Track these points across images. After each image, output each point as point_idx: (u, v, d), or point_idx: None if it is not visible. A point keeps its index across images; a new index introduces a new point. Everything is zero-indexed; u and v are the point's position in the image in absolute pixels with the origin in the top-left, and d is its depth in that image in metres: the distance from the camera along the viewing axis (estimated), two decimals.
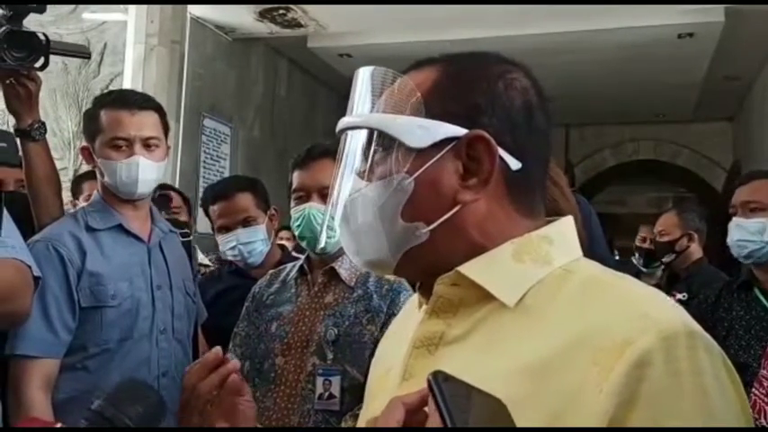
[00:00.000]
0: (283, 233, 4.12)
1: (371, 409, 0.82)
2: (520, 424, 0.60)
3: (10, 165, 2.46)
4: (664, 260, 3.59)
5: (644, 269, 3.99)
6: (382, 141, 0.79)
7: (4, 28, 1.78)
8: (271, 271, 1.98)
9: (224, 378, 0.97)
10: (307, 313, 1.74)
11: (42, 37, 1.82)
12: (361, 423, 0.95)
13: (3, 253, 1.49)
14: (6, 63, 1.78)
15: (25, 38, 1.80)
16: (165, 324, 1.88)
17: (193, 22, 4.82)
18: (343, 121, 0.84)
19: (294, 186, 1.80)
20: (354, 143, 0.83)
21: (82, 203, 2.82)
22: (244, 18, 4.90)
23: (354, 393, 1.58)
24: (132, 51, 4.55)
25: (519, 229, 0.79)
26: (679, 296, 2.97)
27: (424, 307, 0.83)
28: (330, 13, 4.78)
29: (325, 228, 1.65)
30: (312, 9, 4.73)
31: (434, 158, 0.77)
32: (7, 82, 1.85)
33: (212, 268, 3.04)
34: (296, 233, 1.81)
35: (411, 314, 0.89)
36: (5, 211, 1.56)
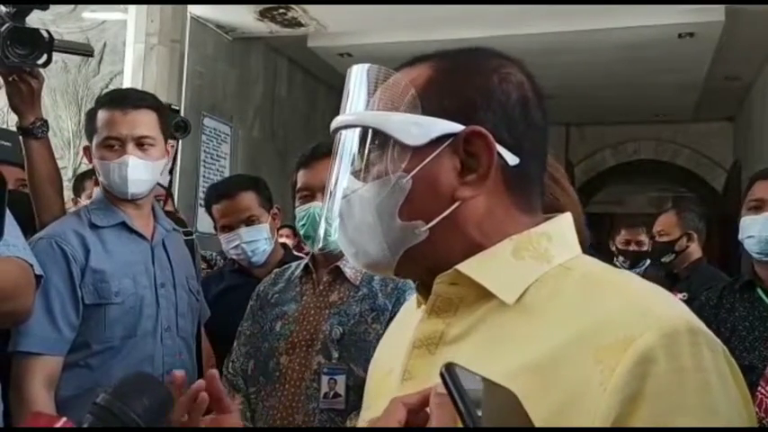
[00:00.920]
0: (283, 231, 4.13)
1: (375, 411, 0.82)
2: None
3: (12, 163, 2.46)
4: (663, 260, 3.57)
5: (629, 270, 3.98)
6: (377, 140, 0.78)
7: (7, 25, 1.77)
8: (275, 270, 1.98)
9: (191, 400, 0.93)
10: (312, 312, 1.74)
11: (45, 34, 1.82)
12: (361, 424, 0.95)
13: (4, 251, 1.49)
14: (9, 60, 1.78)
15: (28, 35, 1.80)
16: (169, 322, 1.88)
17: (193, 21, 4.82)
18: (338, 120, 0.83)
19: (299, 186, 1.80)
20: (349, 142, 0.82)
21: (84, 201, 2.82)
22: (244, 17, 4.89)
23: (359, 392, 1.57)
24: (132, 50, 4.54)
25: (518, 226, 0.78)
26: (680, 296, 2.95)
27: (423, 306, 0.83)
28: (330, 12, 4.78)
29: (322, 226, 1.65)
30: (312, 9, 4.72)
31: (431, 156, 0.76)
32: (10, 79, 1.85)
33: (216, 264, 3.03)
34: (301, 232, 1.81)
35: (410, 314, 0.88)
36: (7, 210, 1.56)
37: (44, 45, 1.81)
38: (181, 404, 0.93)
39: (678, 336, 0.64)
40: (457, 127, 0.76)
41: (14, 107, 1.89)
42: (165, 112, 1.95)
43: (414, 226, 0.76)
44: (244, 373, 1.81)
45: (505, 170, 0.77)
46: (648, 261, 3.78)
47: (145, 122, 1.86)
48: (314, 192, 1.75)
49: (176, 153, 2.13)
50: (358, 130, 0.81)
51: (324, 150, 1.74)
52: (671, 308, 0.68)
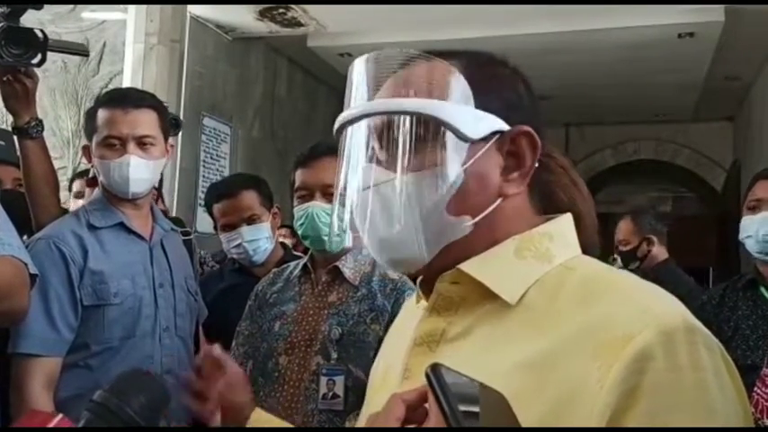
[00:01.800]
0: (281, 230, 4.12)
1: (374, 407, 0.82)
2: (521, 418, 0.60)
3: (7, 163, 2.46)
4: (630, 268, 3.58)
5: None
6: (429, 129, 0.75)
7: (1, 24, 1.77)
8: (274, 269, 1.97)
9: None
10: (310, 312, 1.74)
11: (40, 34, 1.82)
12: (361, 422, 0.95)
13: None
14: (4, 60, 1.78)
15: (23, 34, 1.80)
16: (168, 322, 1.87)
17: (193, 21, 4.81)
18: (380, 105, 0.78)
19: (297, 185, 1.80)
20: (383, 131, 0.77)
21: (71, 202, 2.81)
22: (244, 17, 4.89)
23: (358, 393, 1.57)
24: (132, 50, 4.54)
25: (531, 222, 0.80)
26: None
27: (423, 303, 0.83)
28: (330, 12, 4.77)
29: (333, 229, 1.64)
30: (312, 8, 4.72)
31: (482, 150, 0.76)
32: (4, 79, 1.85)
33: (211, 265, 3.01)
34: (299, 232, 1.80)
35: (411, 312, 0.88)
36: (2, 209, 1.55)
37: (39, 45, 1.81)
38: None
39: (676, 334, 0.65)
40: (504, 125, 0.77)
41: (9, 107, 1.89)
42: (164, 112, 1.94)
43: (461, 221, 0.76)
44: None
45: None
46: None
47: (146, 122, 1.85)
48: (312, 191, 1.75)
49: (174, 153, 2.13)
50: (397, 117, 0.76)
51: (323, 150, 1.74)
52: (669, 306, 0.69)
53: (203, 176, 4.91)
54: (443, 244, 0.77)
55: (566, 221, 0.82)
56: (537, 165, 0.80)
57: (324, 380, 1.63)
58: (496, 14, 4.61)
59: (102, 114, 1.84)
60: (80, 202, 2.60)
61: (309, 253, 1.84)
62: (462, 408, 0.54)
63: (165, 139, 1.93)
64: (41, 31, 1.83)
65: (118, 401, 0.77)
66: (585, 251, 0.82)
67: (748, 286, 2.20)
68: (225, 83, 5.19)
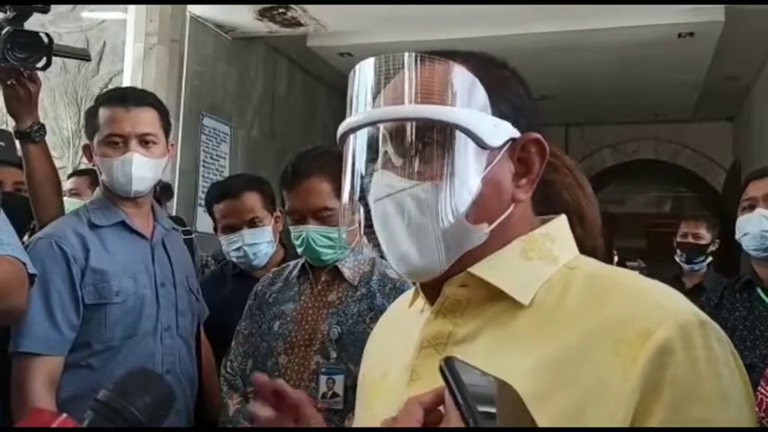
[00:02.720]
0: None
1: (375, 412, 0.82)
2: (541, 419, 0.61)
3: (7, 164, 2.46)
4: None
5: (686, 265, 3.70)
6: (453, 138, 0.74)
7: (6, 28, 1.77)
8: (273, 269, 1.97)
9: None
10: (310, 312, 1.74)
11: (45, 38, 1.82)
12: (358, 423, 0.94)
13: None
14: (9, 63, 1.78)
15: (28, 38, 1.80)
16: (170, 321, 1.87)
17: (193, 21, 4.81)
18: (392, 112, 0.75)
19: (287, 208, 1.78)
20: (402, 138, 0.75)
21: (72, 200, 2.81)
22: (243, 17, 4.88)
23: None
24: (132, 50, 4.53)
25: (532, 223, 0.81)
26: None
27: (417, 305, 0.84)
28: (330, 12, 4.77)
29: (338, 249, 1.65)
30: (312, 8, 4.72)
31: (498, 157, 0.77)
32: (8, 83, 1.85)
33: (207, 265, 2.99)
34: (298, 251, 1.79)
35: (404, 313, 0.88)
36: (1, 210, 1.56)
37: (43, 48, 1.81)
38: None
39: (692, 328, 0.67)
40: (515, 131, 0.78)
41: (12, 111, 1.89)
42: (165, 112, 1.94)
43: (480, 229, 0.76)
44: (242, 372, 1.80)
45: None
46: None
47: (148, 120, 1.85)
48: (304, 215, 1.73)
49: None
50: (412, 124, 0.75)
51: (306, 169, 1.72)
52: (679, 302, 0.71)
53: (203, 176, 4.91)
54: (462, 252, 0.77)
55: (562, 223, 0.83)
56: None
57: (323, 379, 1.63)
58: (496, 14, 4.61)
59: (103, 113, 1.84)
60: (74, 200, 2.59)
61: None
62: (476, 401, 0.55)
63: (166, 139, 1.93)
64: (47, 35, 1.83)
65: (122, 401, 0.76)
66: (592, 252, 0.83)
67: (745, 287, 2.23)
68: (225, 83, 5.19)
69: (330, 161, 1.72)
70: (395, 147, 0.76)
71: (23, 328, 1.68)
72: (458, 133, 0.74)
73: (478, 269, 0.77)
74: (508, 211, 0.78)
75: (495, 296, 0.76)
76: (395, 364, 0.83)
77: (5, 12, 1.80)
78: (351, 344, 1.65)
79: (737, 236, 2.23)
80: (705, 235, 3.64)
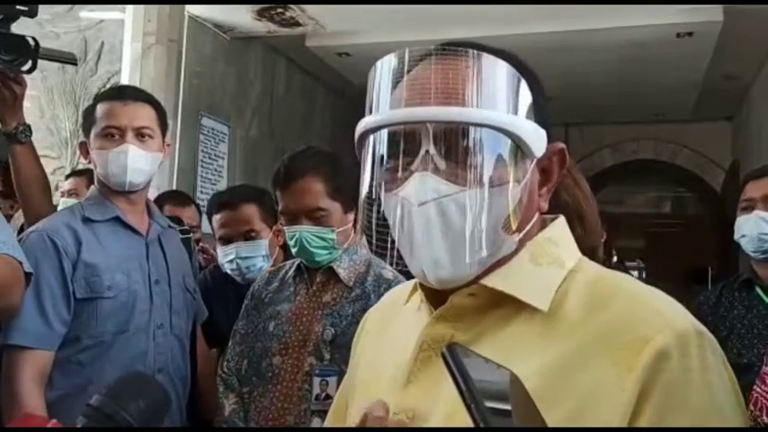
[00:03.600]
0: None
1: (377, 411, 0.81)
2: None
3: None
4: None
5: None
6: (505, 145, 0.72)
7: None
8: (270, 269, 1.97)
9: None
10: (305, 312, 1.73)
11: (32, 41, 1.82)
12: (351, 423, 0.94)
13: None
14: None
15: (14, 41, 1.81)
16: (163, 319, 1.86)
17: (191, 20, 4.80)
18: (443, 113, 0.70)
19: (280, 208, 1.78)
20: (446, 138, 0.71)
21: (69, 201, 2.81)
22: (242, 17, 4.88)
23: None
24: (130, 50, 4.53)
25: (539, 226, 0.81)
26: None
27: (412, 303, 0.83)
28: (328, 12, 4.76)
29: (332, 250, 1.64)
30: (310, 8, 4.71)
31: (532, 166, 0.76)
32: None
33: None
34: (292, 251, 1.78)
35: (397, 311, 0.87)
36: None
37: (29, 51, 1.82)
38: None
39: (689, 337, 0.67)
40: (546, 140, 0.77)
41: None
42: (162, 110, 1.94)
43: (513, 238, 0.75)
44: (238, 372, 1.80)
45: None
46: None
47: (144, 114, 1.86)
48: (297, 215, 1.73)
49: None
50: (463, 127, 0.71)
51: (299, 170, 1.71)
52: (677, 310, 0.71)
53: (201, 176, 4.90)
54: (492, 262, 0.75)
55: (562, 225, 0.82)
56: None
57: (317, 380, 1.63)
58: (496, 14, 4.61)
59: (101, 107, 1.85)
60: (72, 201, 2.59)
61: None
62: (482, 392, 0.53)
63: (163, 137, 1.93)
64: (33, 38, 1.83)
65: (115, 406, 0.75)
66: (593, 251, 0.83)
67: (744, 286, 2.22)
68: (223, 82, 5.18)
69: (323, 161, 1.71)
70: (440, 148, 0.71)
71: (14, 321, 1.67)
72: (509, 141, 0.72)
73: (492, 281, 0.75)
74: (534, 220, 0.77)
75: (497, 302, 0.75)
76: (390, 365, 0.82)
77: None
78: (344, 345, 1.64)
79: (736, 236, 2.22)
80: None
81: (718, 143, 7.62)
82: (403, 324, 0.84)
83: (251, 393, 1.74)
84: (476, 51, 0.72)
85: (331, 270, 1.74)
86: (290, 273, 1.83)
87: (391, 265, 0.76)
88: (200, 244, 2.85)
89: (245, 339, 1.82)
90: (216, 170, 5.08)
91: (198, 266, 2.47)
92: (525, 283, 0.75)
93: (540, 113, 0.77)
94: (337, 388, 1.61)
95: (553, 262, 0.77)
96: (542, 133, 0.76)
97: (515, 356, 0.70)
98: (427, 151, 0.72)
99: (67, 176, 3.31)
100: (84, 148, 1.90)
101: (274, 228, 2.34)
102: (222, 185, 4.87)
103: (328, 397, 1.61)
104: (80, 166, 3.94)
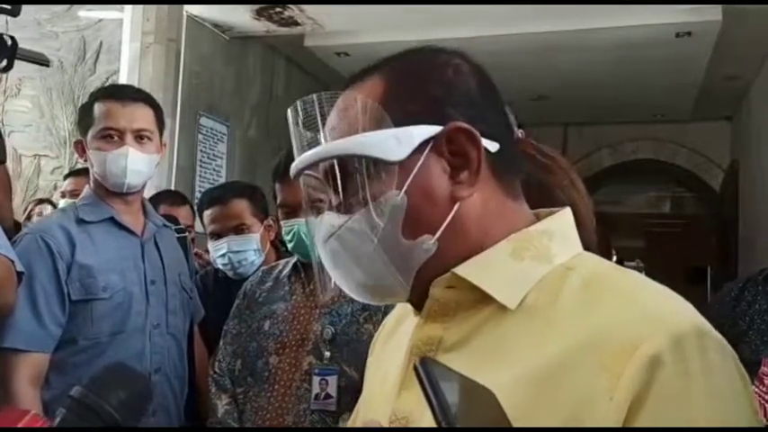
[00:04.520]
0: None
1: (369, 415, 0.80)
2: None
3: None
4: None
5: None
6: (356, 165, 0.73)
7: None
8: (263, 268, 1.96)
9: None
10: (302, 311, 1.72)
11: (9, 40, 1.81)
12: (354, 425, 0.93)
13: None
14: None
15: None
16: (159, 319, 1.85)
17: (190, 20, 4.80)
18: (302, 160, 0.79)
19: (279, 201, 1.77)
20: (326, 179, 0.77)
21: (67, 199, 2.79)
22: (240, 16, 4.87)
23: (352, 393, 1.55)
24: (128, 49, 4.52)
25: (515, 217, 0.76)
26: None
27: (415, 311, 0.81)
28: (327, 11, 4.76)
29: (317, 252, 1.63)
30: (309, 8, 4.70)
31: (418, 165, 0.72)
32: None
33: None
34: (289, 247, 1.78)
35: (406, 315, 0.86)
36: None
37: (6, 50, 1.81)
38: None
39: (686, 339, 0.61)
40: (433, 129, 0.73)
41: None
42: (159, 110, 1.94)
43: (421, 242, 0.73)
44: (230, 372, 1.78)
45: (489, 159, 0.75)
46: None
47: (143, 116, 1.85)
48: (295, 208, 1.72)
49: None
50: (327, 163, 0.76)
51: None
52: (677, 310, 0.66)
53: (200, 176, 4.90)
54: (415, 269, 0.74)
55: (565, 217, 0.78)
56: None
57: (317, 380, 1.61)
58: (495, 13, 4.60)
59: (99, 107, 1.84)
60: (70, 202, 2.58)
61: None
62: (451, 402, 0.53)
63: (160, 137, 1.92)
64: (11, 37, 1.82)
65: (95, 397, 0.75)
66: (586, 250, 0.80)
67: (767, 280, 2.14)
68: (222, 82, 5.18)
69: None
70: (328, 187, 0.77)
71: (8, 322, 1.66)
72: (360, 161, 0.73)
73: (464, 270, 0.73)
74: (452, 213, 0.73)
75: (484, 299, 0.72)
76: (391, 369, 0.81)
77: None
78: (344, 344, 1.63)
79: None
80: None
81: (717, 143, 7.63)
82: (405, 329, 0.83)
83: (246, 394, 1.72)
84: (325, 94, 0.79)
85: None
86: (285, 272, 1.82)
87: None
88: (195, 249, 2.85)
89: (237, 339, 1.80)
90: (215, 170, 5.08)
91: (194, 269, 2.47)
92: (497, 276, 0.72)
93: (418, 105, 0.74)
94: (337, 387, 1.62)
95: (538, 256, 0.73)
96: (405, 132, 0.73)
97: (502, 359, 0.68)
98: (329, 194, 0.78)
99: (66, 176, 3.31)
100: (80, 147, 1.89)
101: (265, 222, 2.35)
102: None
103: (328, 396, 1.60)
104: (78, 166, 3.93)
